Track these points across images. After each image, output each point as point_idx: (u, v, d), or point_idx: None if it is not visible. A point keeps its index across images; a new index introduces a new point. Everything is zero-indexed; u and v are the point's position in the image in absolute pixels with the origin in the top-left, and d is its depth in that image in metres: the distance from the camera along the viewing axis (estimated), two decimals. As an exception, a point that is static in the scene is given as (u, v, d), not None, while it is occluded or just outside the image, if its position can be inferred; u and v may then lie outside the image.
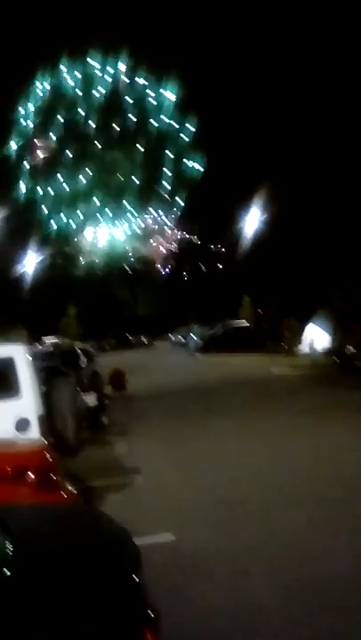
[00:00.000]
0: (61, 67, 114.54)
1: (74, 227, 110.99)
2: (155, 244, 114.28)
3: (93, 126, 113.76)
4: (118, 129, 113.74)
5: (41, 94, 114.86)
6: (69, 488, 6.90)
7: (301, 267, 48.76)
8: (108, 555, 3.18)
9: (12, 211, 46.06)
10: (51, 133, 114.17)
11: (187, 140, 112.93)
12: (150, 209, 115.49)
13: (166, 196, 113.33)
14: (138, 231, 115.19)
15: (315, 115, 53.25)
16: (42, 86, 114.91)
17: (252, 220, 56.58)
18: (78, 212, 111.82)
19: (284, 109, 56.55)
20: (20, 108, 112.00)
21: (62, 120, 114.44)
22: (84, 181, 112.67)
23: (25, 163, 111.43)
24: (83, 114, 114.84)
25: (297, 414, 16.24)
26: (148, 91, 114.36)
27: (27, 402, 9.55)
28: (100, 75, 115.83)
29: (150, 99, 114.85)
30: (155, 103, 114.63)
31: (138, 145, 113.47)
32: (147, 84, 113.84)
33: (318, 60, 55.91)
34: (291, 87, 58.69)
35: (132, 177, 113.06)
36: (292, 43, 61.10)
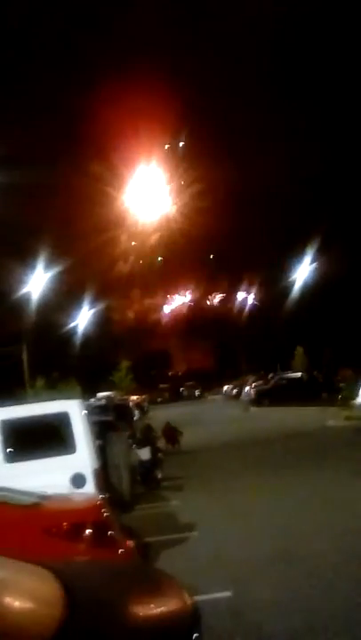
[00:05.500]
0: None
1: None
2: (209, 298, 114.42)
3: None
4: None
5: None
6: (126, 544, 6.89)
7: (356, 315, 48.31)
8: (166, 614, 3.14)
9: (67, 264, 46.53)
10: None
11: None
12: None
13: None
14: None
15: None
16: None
17: (304, 270, 56.53)
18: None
19: (334, 153, 56.21)
20: None
21: None
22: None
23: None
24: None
25: (352, 468, 15.91)
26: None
27: (82, 457, 9.62)
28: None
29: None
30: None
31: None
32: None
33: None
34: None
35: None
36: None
